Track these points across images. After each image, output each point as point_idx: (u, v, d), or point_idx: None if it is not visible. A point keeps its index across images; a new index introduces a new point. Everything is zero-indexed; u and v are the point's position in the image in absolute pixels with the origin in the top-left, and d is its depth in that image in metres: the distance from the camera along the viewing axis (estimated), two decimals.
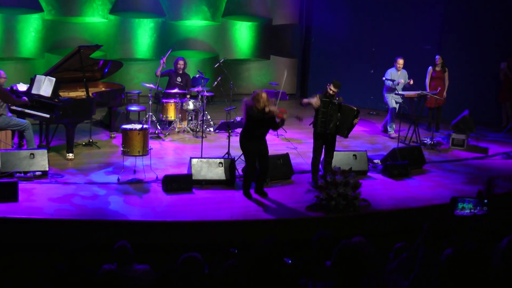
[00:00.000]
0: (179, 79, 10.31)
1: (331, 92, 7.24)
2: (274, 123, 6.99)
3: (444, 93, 10.67)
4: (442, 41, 12.12)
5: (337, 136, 7.45)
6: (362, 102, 12.80)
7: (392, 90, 10.19)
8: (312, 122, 7.37)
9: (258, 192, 7.14)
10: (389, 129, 10.43)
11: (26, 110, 8.22)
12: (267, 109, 6.74)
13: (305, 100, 7.37)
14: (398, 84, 10.07)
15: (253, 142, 6.92)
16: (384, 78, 10.29)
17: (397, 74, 10.25)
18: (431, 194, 7.58)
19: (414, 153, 8.68)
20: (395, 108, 10.27)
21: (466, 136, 9.85)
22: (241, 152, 7.24)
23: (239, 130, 7.84)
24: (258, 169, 7.09)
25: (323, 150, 7.41)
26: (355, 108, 7.32)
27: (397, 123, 10.12)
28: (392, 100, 10.28)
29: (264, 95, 6.81)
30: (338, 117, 7.22)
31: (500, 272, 1.96)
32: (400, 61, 10.27)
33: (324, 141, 7.35)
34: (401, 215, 7.02)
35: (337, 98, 7.31)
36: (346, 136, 7.50)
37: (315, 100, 7.18)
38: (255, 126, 6.88)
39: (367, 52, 13.05)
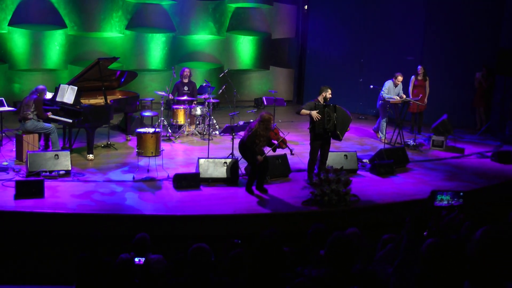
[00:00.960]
0: (186, 88, 10.31)
1: (330, 96, 7.26)
2: (271, 144, 7.01)
3: (425, 100, 10.65)
4: (423, 53, 12.12)
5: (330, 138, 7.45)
6: (352, 108, 12.74)
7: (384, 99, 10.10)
8: (309, 127, 7.32)
9: (259, 188, 7.14)
10: (380, 135, 10.32)
11: (52, 116, 8.24)
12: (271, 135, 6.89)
13: (306, 112, 7.22)
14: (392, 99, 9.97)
15: (252, 152, 6.92)
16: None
17: (393, 88, 10.13)
18: (414, 189, 7.57)
19: (399, 153, 8.68)
20: (386, 118, 10.15)
21: (444, 138, 9.84)
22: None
23: (242, 133, 7.84)
24: (258, 171, 7.11)
25: (319, 152, 7.39)
26: (350, 117, 7.34)
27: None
28: (385, 110, 10.10)
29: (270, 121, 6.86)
30: (335, 116, 7.20)
31: (474, 261, 1.97)
32: (399, 78, 10.00)
33: (321, 142, 7.30)
34: (388, 208, 7.01)
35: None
36: (341, 139, 7.43)
37: (314, 114, 7.14)
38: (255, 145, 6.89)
39: (357, 63, 13.05)
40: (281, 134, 7.14)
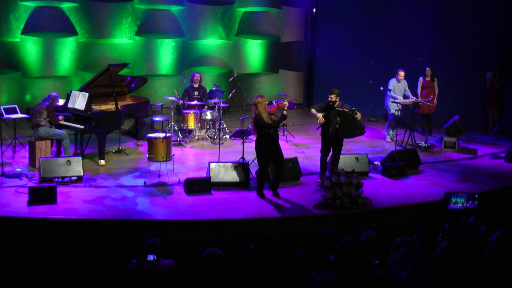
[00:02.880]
0: (196, 92, 10.33)
1: (330, 99, 7.25)
2: (278, 120, 6.95)
3: (435, 100, 10.57)
4: (433, 54, 12.01)
5: (341, 140, 7.41)
6: (362, 110, 12.57)
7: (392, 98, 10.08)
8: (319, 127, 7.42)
9: (273, 190, 7.08)
10: (386, 134, 10.33)
11: (63, 122, 8.28)
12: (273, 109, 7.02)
13: (313, 111, 7.35)
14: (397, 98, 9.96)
15: (267, 148, 6.87)
16: (382, 88, 10.19)
17: (397, 85, 10.15)
18: (426, 191, 7.49)
19: (410, 155, 8.59)
20: (393, 115, 10.13)
21: (457, 139, 9.73)
22: (255, 157, 7.21)
23: (252, 136, 7.82)
24: (274, 170, 7.08)
25: (330, 152, 7.40)
26: (348, 110, 7.23)
27: (394, 128, 10.04)
28: (393, 109, 10.12)
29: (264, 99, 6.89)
30: (337, 121, 7.18)
31: (490, 265, 1.91)
32: (401, 73, 10.15)
33: (330, 143, 7.32)
34: (400, 211, 6.94)
35: (342, 104, 7.29)
36: (362, 132, 7.30)
37: (319, 117, 7.21)
38: (266, 132, 6.83)
39: (366, 65, 12.98)
40: (274, 104, 7.30)
